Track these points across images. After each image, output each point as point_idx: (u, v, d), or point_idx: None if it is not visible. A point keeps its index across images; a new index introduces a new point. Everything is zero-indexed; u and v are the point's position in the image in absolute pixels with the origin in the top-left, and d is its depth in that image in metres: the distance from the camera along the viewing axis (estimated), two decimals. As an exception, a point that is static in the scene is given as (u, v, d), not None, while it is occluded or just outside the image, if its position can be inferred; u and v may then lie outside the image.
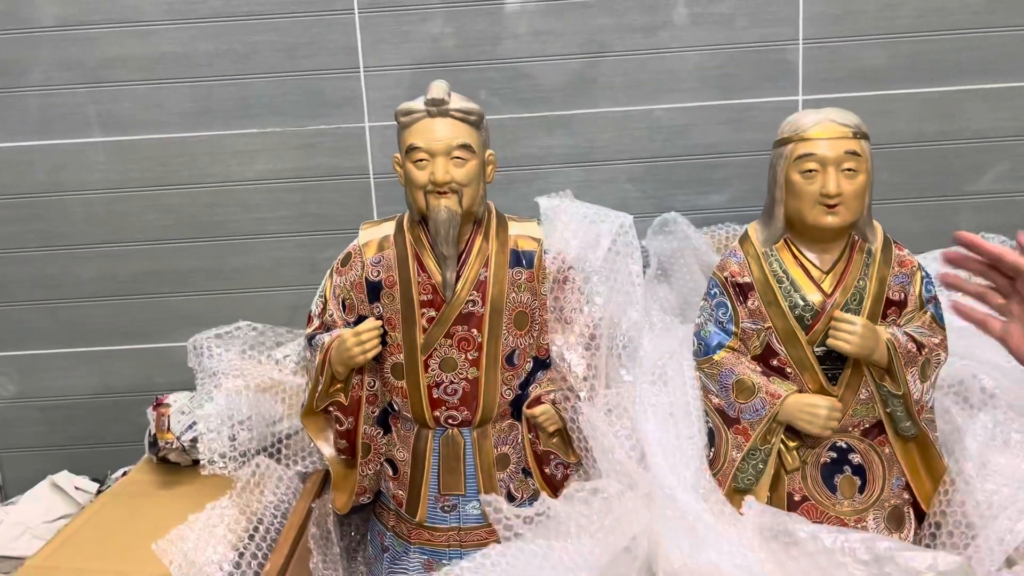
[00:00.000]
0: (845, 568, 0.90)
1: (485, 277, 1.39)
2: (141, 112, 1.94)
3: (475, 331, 1.39)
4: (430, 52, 1.91)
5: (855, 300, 1.29)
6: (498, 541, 1.37)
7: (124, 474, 1.72)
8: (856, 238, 1.33)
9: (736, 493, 1.31)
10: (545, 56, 1.91)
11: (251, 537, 1.36)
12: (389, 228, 1.44)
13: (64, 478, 1.77)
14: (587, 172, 1.99)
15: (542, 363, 1.46)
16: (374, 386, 1.45)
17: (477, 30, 1.90)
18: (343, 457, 1.48)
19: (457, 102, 1.33)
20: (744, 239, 1.38)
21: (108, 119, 1.94)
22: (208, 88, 1.93)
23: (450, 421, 1.42)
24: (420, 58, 1.91)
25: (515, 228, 1.44)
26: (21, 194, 1.97)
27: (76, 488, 1.74)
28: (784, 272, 1.32)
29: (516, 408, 1.45)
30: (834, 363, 1.30)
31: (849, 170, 1.26)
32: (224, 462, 1.46)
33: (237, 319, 1.83)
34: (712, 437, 1.36)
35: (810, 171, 1.26)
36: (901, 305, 1.31)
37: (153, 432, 1.59)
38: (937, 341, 1.29)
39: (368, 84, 1.93)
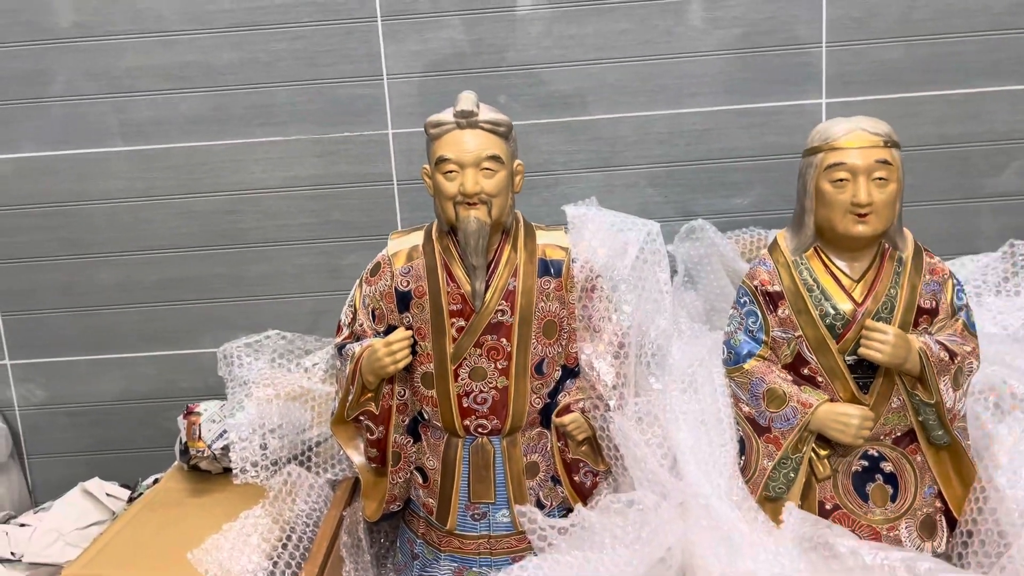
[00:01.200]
0: (885, 584, 0.90)
1: (514, 287, 1.40)
2: (165, 121, 1.95)
3: (504, 340, 1.40)
4: (452, 59, 1.91)
5: (886, 309, 1.29)
6: (528, 549, 1.40)
7: (155, 481, 1.73)
8: (886, 246, 1.32)
9: (767, 502, 1.31)
10: (566, 61, 1.92)
11: (284, 546, 1.37)
12: (418, 238, 1.45)
13: (96, 485, 1.78)
14: (608, 177, 1.99)
15: (571, 372, 1.46)
16: (404, 395, 1.46)
17: (498, 36, 1.90)
18: (373, 465, 1.50)
19: (486, 113, 1.34)
20: (773, 247, 1.38)
21: (132, 128, 1.96)
22: (231, 96, 1.94)
23: (480, 430, 1.43)
24: (442, 65, 1.91)
25: (543, 237, 1.45)
26: (47, 203, 1.99)
27: (107, 495, 1.76)
28: (814, 281, 1.32)
29: (545, 417, 1.46)
30: (865, 372, 1.30)
31: (880, 179, 1.25)
32: (256, 471, 1.47)
33: (261, 325, 1.85)
34: (742, 446, 1.36)
35: (841, 180, 1.26)
36: (932, 313, 1.31)
37: (184, 440, 1.60)
38: (969, 349, 1.29)
39: (391, 91, 1.94)
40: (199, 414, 1.59)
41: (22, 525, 1.73)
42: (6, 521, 1.78)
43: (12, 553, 1.67)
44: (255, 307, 2.06)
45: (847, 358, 1.30)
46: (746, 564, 1.03)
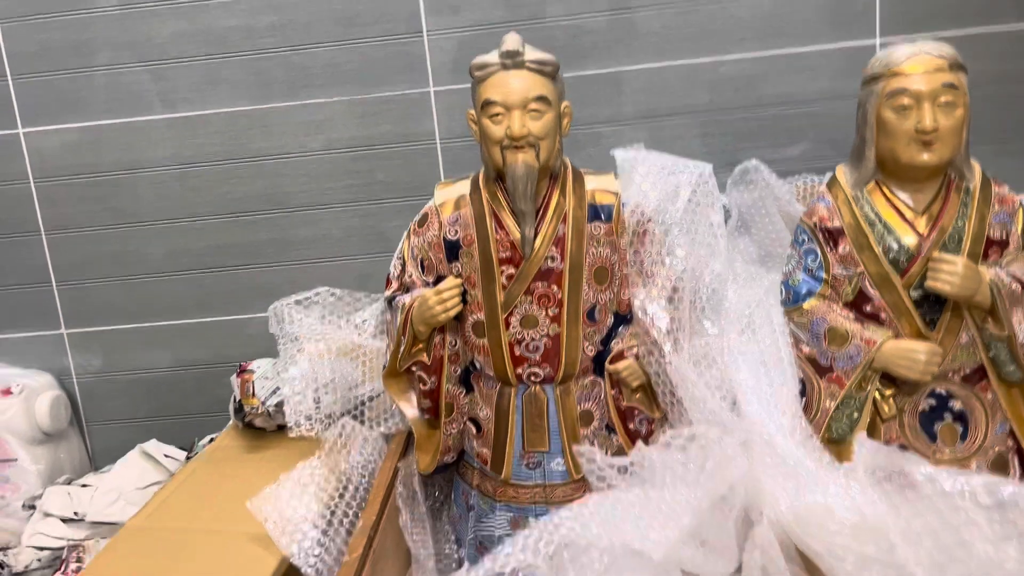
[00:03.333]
0: (964, 513, 0.86)
1: (563, 232, 1.37)
2: (207, 87, 1.96)
3: (555, 287, 1.37)
4: (492, 12, 1.88)
5: (953, 241, 1.24)
6: (583, 498, 1.38)
7: (211, 441, 1.76)
8: (952, 176, 1.27)
9: (830, 444, 1.28)
10: (610, 10, 1.87)
11: (341, 496, 1.38)
12: (464, 187, 1.43)
13: (154, 446, 1.82)
14: (654, 129, 1.95)
15: (623, 318, 1.44)
16: (455, 345, 1.45)
17: (540, -13, 1.87)
18: (426, 417, 1.49)
19: (532, 53, 1.31)
20: (832, 183, 1.33)
21: (175, 96, 1.97)
22: (272, 60, 1.94)
23: (532, 378, 1.41)
24: (483, 19, 1.89)
25: (592, 182, 1.42)
26: (95, 173, 2.02)
27: (165, 456, 1.79)
28: (876, 215, 1.28)
29: (598, 364, 1.44)
30: (932, 307, 1.25)
31: (946, 104, 1.20)
32: (311, 424, 1.47)
33: (308, 290, 1.85)
34: (803, 388, 1.32)
35: (904, 107, 1.21)
36: (1003, 245, 1.26)
37: (238, 398, 1.62)
38: (1042, 280, 1.24)
39: (431, 48, 1.92)
40: (252, 371, 1.60)
41: (84, 486, 1.77)
42: (68, 483, 1.82)
43: (75, 513, 1.71)
44: (301, 272, 2.06)
45: (912, 293, 1.26)
46: (815, 497, 1.01)
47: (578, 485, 1.43)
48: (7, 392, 1.95)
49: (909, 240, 1.25)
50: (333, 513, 1.35)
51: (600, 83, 1.92)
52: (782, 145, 1.93)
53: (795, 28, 1.86)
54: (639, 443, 1.16)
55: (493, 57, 1.32)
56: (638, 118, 1.95)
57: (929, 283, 1.21)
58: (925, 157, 1.21)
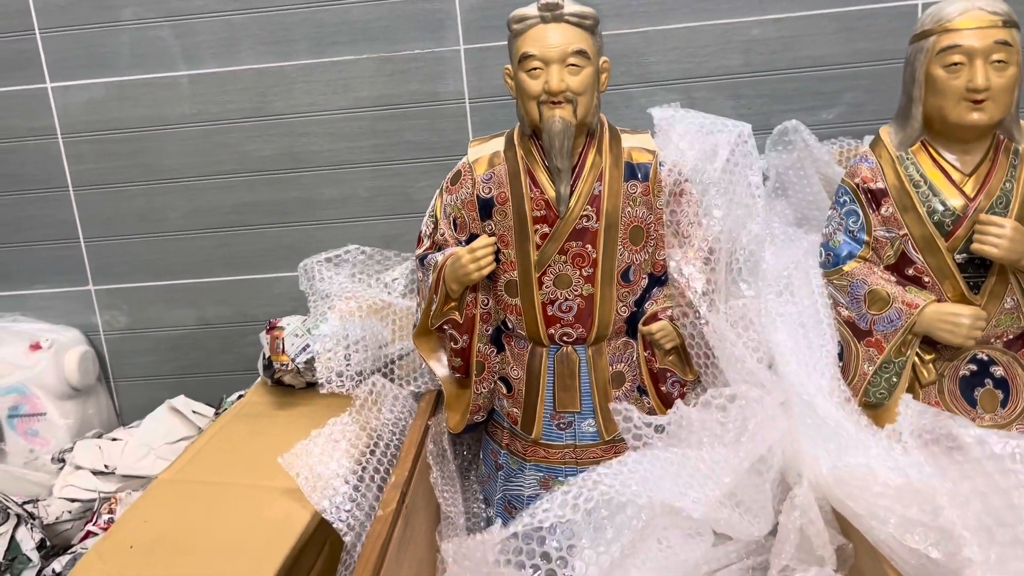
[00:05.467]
0: (1015, 476, 0.85)
1: (599, 191, 1.35)
2: (234, 43, 1.94)
3: (590, 247, 1.36)
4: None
5: (1001, 204, 1.21)
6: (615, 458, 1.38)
7: (239, 398, 1.76)
8: (1001, 137, 1.24)
9: (867, 408, 1.27)
10: (644, -33, 1.84)
11: (372, 452, 1.38)
12: (499, 144, 1.41)
13: (182, 402, 1.83)
14: (686, 91, 1.92)
15: (657, 279, 1.42)
16: (487, 304, 1.44)
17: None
18: (457, 376, 1.49)
19: (571, 6, 1.28)
20: (876, 143, 1.30)
21: (203, 51, 1.95)
22: (299, 15, 1.91)
23: (565, 339, 1.40)
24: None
25: (628, 140, 1.40)
26: (123, 129, 2.01)
27: (193, 412, 1.80)
28: (922, 176, 1.25)
29: (631, 326, 1.42)
30: (977, 270, 1.23)
31: (998, 62, 1.17)
32: (342, 380, 1.47)
33: (332, 250, 1.83)
34: (841, 351, 1.31)
35: (955, 64, 1.18)
36: (1052, 208, 1.23)
37: (267, 355, 1.62)
38: (1092, 245, 1.21)
39: (461, 5, 1.88)
40: (282, 328, 1.60)
41: (114, 440, 1.79)
42: (98, 437, 1.84)
43: (106, 466, 1.72)
44: (327, 231, 2.05)
45: (956, 256, 1.23)
46: (857, 459, 0.99)
47: (608, 447, 1.42)
48: (36, 347, 1.96)
49: (955, 202, 1.23)
50: (364, 469, 1.35)
51: (631, 41, 1.88)
52: (817, 108, 1.90)
53: (836, -13, 1.81)
54: (678, 402, 1.15)
55: (532, 10, 1.29)
56: (671, 79, 1.91)
57: (976, 246, 1.19)
58: (975, 116, 1.18)
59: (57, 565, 1.52)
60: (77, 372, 1.97)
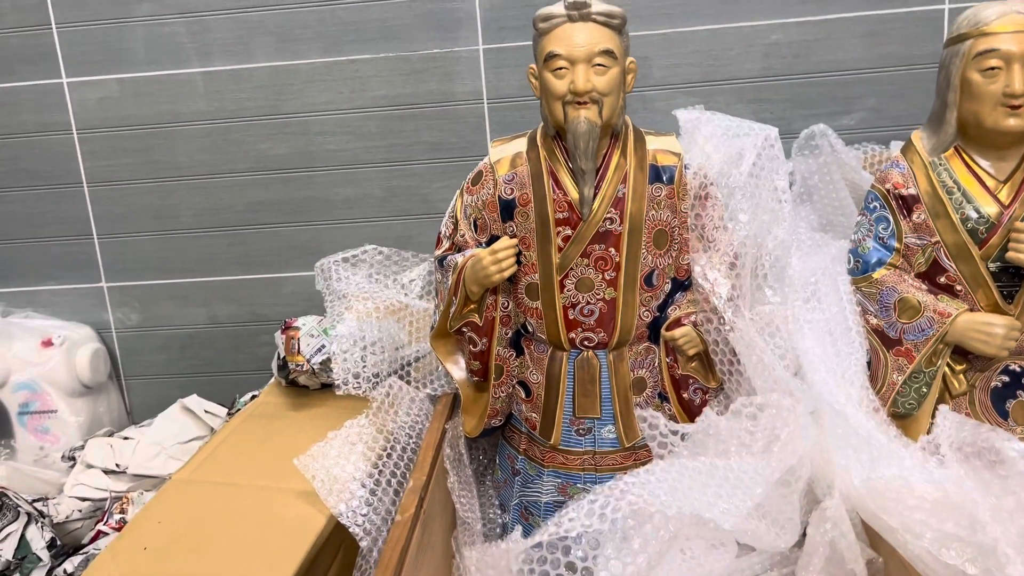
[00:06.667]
0: (1059, 490, 0.83)
1: (623, 194, 1.33)
2: (252, 39, 1.92)
3: (613, 250, 1.34)
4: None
5: (1036, 211, 1.19)
6: (634, 465, 1.36)
7: (252, 398, 1.74)
8: (1037, 144, 1.22)
9: (895, 419, 1.24)
10: (668, -31, 1.81)
11: (388, 455, 1.36)
12: (521, 144, 1.39)
13: (195, 402, 1.81)
14: (708, 94, 1.90)
15: (681, 284, 1.40)
16: (508, 307, 1.42)
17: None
18: (475, 379, 1.46)
19: (599, 4, 1.26)
20: (908, 148, 1.28)
21: (220, 47, 1.93)
22: (318, 13, 1.90)
23: (586, 343, 1.38)
24: (536, -26, 1.83)
25: (653, 143, 1.37)
26: (138, 125, 1.99)
27: (206, 411, 1.78)
28: (955, 182, 1.22)
29: (653, 331, 1.40)
30: (1011, 279, 1.20)
31: (1036, 67, 1.14)
32: (358, 382, 1.45)
33: (348, 250, 1.81)
34: (869, 360, 1.28)
35: (992, 69, 1.16)
36: (1089, 217, 1.20)
37: (282, 355, 1.60)
38: None
39: (481, 4, 1.86)
40: (298, 328, 1.58)
41: (125, 439, 1.77)
42: (109, 435, 1.82)
43: (117, 464, 1.70)
44: (341, 231, 2.03)
45: (990, 265, 1.21)
46: (891, 471, 0.97)
47: (628, 453, 1.40)
48: (48, 343, 1.95)
49: (990, 209, 1.20)
50: (380, 473, 1.33)
51: (654, 44, 1.86)
52: (840, 112, 1.87)
53: (860, -9, 1.79)
54: (706, 410, 1.13)
55: (559, 8, 1.27)
56: (691, 81, 1.89)
57: (1011, 254, 1.16)
58: (1012, 123, 1.16)
59: (69, 565, 1.51)
60: (88, 369, 1.96)
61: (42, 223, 2.06)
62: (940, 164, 1.24)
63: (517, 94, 1.90)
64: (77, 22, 1.93)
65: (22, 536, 1.54)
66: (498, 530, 1.52)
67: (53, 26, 1.93)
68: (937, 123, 1.25)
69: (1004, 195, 1.20)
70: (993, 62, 1.16)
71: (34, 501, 1.65)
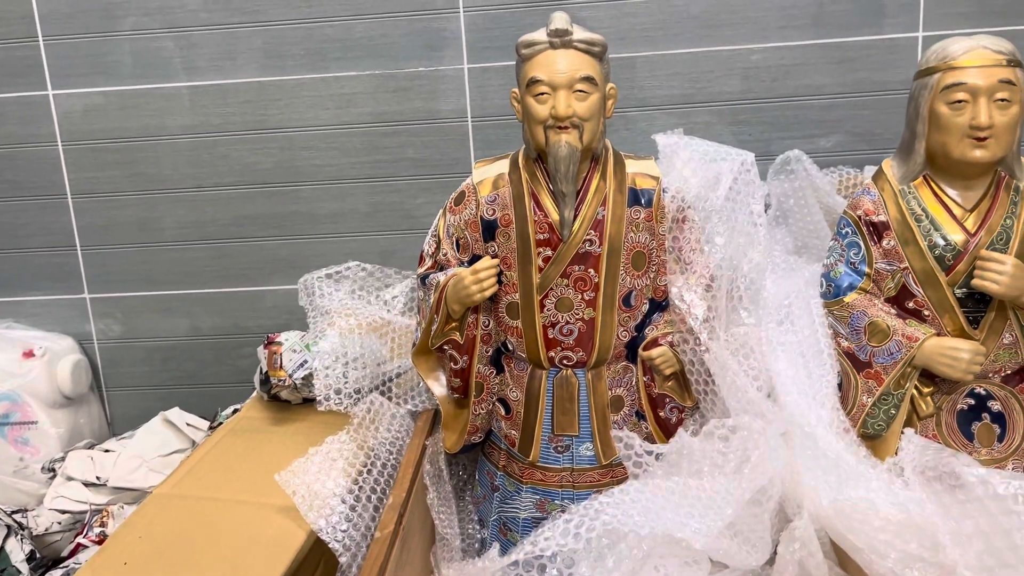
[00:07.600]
0: (1018, 517, 0.86)
1: (603, 216, 1.36)
2: (241, 55, 1.94)
3: (592, 271, 1.36)
4: (530, -11, 1.86)
5: (1001, 240, 1.23)
6: (611, 483, 1.38)
7: (234, 411, 1.75)
8: (1002, 174, 1.26)
9: (865, 440, 1.27)
10: (650, -7, 1.85)
11: (368, 471, 1.38)
12: (504, 166, 1.42)
13: (176, 414, 1.81)
14: (685, 116, 1.93)
15: (658, 305, 1.43)
16: (488, 325, 1.44)
17: (580, -34, 1.84)
18: (455, 396, 1.48)
19: (580, 32, 1.29)
20: (879, 176, 1.32)
21: (206, 62, 1.95)
22: (305, 30, 1.92)
23: (565, 362, 1.40)
24: (520, -4, 1.86)
25: (633, 166, 1.41)
26: (123, 138, 2.00)
27: (188, 424, 1.79)
28: (923, 210, 1.26)
29: (631, 350, 1.43)
30: (976, 305, 1.24)
31: (1002, 100, 1.18)
32: (340, 398, 1.47)
33: (332, 264, 1.83)
34: (840, 382, 1.31)
35: (959, 102, 1.20)
36: (1051, 246, 1.24)
37: (265, 370, 1.61)
38: (1090, 284, 1.22)
39: (467, 24, 1.89)
40: (280, 343, 1.59)
41: (106, 451, 1.77)
42: (90, 447, 1.82)
43: (97, 477, 1.71)
44: (325, 245, 2.05)
45: (956, 291, 1.24)
46: (858, 492, 1.00)
47: (606, 471, 1.42)
48: (29, 354, 1.95)
49: (956, 237, 1.24)
50: (360, 488, 1.34)
51: (637, 65, 1.90)
52: (815, 136, 1.91)
53: (836, 19, 1.83)
54: (680, 431, 1.15)
55: (541, 35, 1.30)
56: (671, 103, 1.93)
57: (976, 282, 1.20)
58: (978, 154, 1.20)
59: (47, 579, 1.51)
60: (70, 381, 1.96)
61: (25, 234, 2.06)
62: (909, 192, 1.28)
63: (501, 112, 1.93)
64: (64, 35, 1.94)
65: (1, 548, 1.54)
66: (477, 545, 1.53)
67: (40, 38, 1.94)
68: (906, 152, 1.29)
69: (970, 223, 1.24)
70: (960, 95, 1.19)
71: (13, 513, 1.65)
